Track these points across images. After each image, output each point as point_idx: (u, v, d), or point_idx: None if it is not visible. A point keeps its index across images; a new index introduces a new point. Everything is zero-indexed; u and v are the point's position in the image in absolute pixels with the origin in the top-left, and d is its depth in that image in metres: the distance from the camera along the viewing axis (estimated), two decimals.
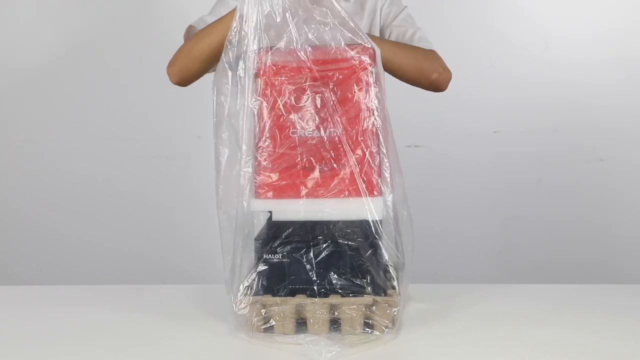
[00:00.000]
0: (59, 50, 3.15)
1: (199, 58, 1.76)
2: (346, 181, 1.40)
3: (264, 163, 1.42)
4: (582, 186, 3.11)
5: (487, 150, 3.12)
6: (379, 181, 1.40)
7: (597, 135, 3.09)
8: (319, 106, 1.41)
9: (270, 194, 1.41)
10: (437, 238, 2.97)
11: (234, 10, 1.57)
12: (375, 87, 1.41)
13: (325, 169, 1.41)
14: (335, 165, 1.40)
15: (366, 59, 1.41)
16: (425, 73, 1.82)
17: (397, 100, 3.06)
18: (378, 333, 1.37)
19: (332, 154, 1.41)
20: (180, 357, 1.36)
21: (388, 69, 1.72)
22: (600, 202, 3.11)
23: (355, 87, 1.40)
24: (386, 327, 1.38)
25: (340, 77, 1.41)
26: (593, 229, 3.11)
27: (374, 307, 1.37)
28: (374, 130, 1.41)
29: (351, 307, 1.36)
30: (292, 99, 1.42)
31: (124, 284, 1.85)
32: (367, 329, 1.38)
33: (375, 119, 1.41)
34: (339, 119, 1.40)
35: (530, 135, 3.11)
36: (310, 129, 1.42)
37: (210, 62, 1.74)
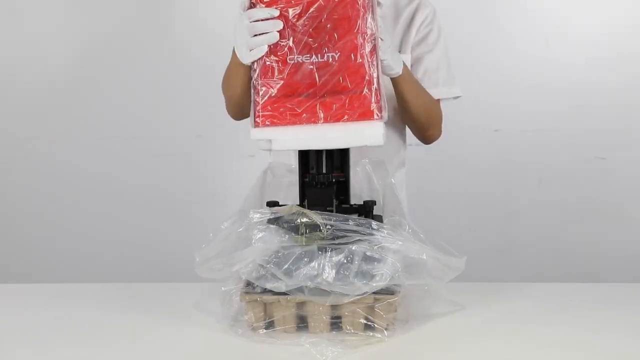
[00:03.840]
0: (62, 50, 3.14)
1: (236, 102, 1.77)
2: (346, 106, 1.39)
3: (262, 91, 1.41)
4: (583, 185, 3.11)
5: (487, 149, 3.12)
6: (379, 105, 1.39)
7: (598, 134, 3.09)
8: (317, 31, 1.40)
9: (268, 122, 1.40)
10: (437, 237, 2.97)
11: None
12: (370, 5, 1.40)
13: (325, 94, 1.40)
14: (334, 91, 1.39)
15: None
16: (429, 122, 1.91)
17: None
18: (379, 334, 1.37)
19: (332, 79, 1.39)
20: (181, 356, 1.36)
21: (403, 104, 1.76)
22: (600, 201, 3.11)
23: (353, 11, 1.39)
24: (387, 327, 1.38)
25: (333, 3, 1.40)
26: (594, 228, 3.11)
27: (375, 307, 1.37)
28: (373, 54, 1.40)
29: (352, 307, 1.36)
30: (290, 24, 1.41)
31: (125, 282, 1.85)
32: (369, 332, 1.37)
33: (375, 43, 1.40)
34: (337, 43, 1.39)
35: (531, 135, 3.11)
36: (309, 55, 1.41)
37: (242, 98, 1.68)
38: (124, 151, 3.18)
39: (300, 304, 1.38)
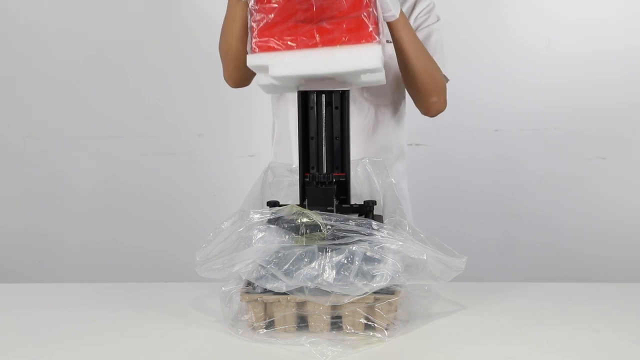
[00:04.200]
0: (62, 49, 3.15)
1: (234, 54, 1.75)
2: (343, 29, 1.38)
3: (258, 16, 1.40)
4: (584, 184, 3.11)
5: (488, 148, 3.12)
6: (377, 29, 1.38)
7: (598, 133, 3.09)
8: None
9: (266, 47, 1.39)
10: (437, 236, 2.97)
11: None
12: None
13: (322, 18, 1.39)
14: (331, 15, 1.39)
15: None
16: (432, 87, 1.81)
17: None
18: (379, 334, 1.37)
19: (329, 3, 1.39)
20: (181, 356, 1.36)
21: (402, 57, 1.72)
22: (601, 200, 3.11)
23: None
24: (387, 326, 1.38)
25: None
26: (594, 228, 3.11)
27: (375, 307, 1.37)
28: None
29: (352, 307, 1.36)
30: None
31: (125, 282, 1.85)
32: (369, 332, 1.38)
33: None
34: None
35: (532, 134, 3.11)
36: None
37: (240, 52, 1.71)
38: (124, 150, 3.18)
39: (301, 304, 1.38)
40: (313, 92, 1.55)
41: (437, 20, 1.93)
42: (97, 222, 3.22)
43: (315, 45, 1.39)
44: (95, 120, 3.17)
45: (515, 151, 3.11)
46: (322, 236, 1.39)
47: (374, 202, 1.53)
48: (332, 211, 1.46)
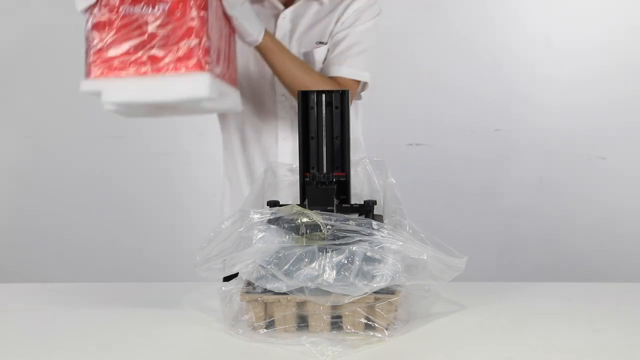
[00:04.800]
0: (62, 49, 3.14)
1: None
2: (174, 57, 1.38)
3: (93, 42, 1.40)
4: (584, 184, 3.11)
5: (488, 148, 3.12)
6: (207, 59, 1.39)
7: (598, 133, 3.09)
8: None
9: (99, 73, 1.40)
10: (437, 236, 2.97)
11: None
12: None
13: (154, 46, 1.39)
14: (164, 42, 1.38)
15: None
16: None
17: (398, 98, 3.08)
18: (379, 333, 1.37)
19: (161, 31, 1.39)
20: (181, 356, 1.36)
21: (279, 79, 1.78)
22: (601, 200, 3.11)
23: None
24: (387, 326, 1.38)
25: None
26: (594, 228, 3.11)
27: (375, 307, 1.37)
28: (203, 4, 1.39)
29: (352, 306, 1.36)
30: None
31: (125, 282, 1.85)
32: (370, 332, 1.37)
33: None
34: None
35: (532, 134, 3.11)
36: (140, 5, 1.40)
37: None
38: (125, 150, 3.18)
39: (301, 304, 1.38)
40: (313, 92, 1.55)
41: (372, 18, 1.90)
42: (97, 222, 3.22)
43: (146, 73, 1.39)
44: (95, 120, 3.17)
45: (515, 151, 3.11)
46: (322, 236, 1.39)
47: (374, 202, 1.53)
48: (332, 211, 1.46)
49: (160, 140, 3.18)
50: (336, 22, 1.88)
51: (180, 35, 1.39)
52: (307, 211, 1.41)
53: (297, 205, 1.44)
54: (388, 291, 1.38)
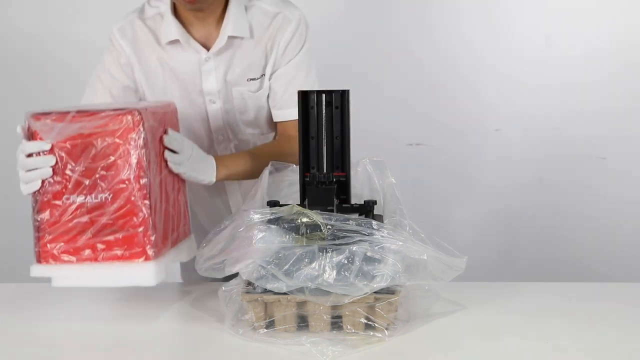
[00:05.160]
0: (62, 49, 3.15)
1: None
2: (120, 245, 1.43)
3: (40, 229, 1.45)
4: (584, 185, 3.10)
5: (488, 148, 3.12)
6: (152, 245, 1.43)
7: (598, 133, 3.09)
8: (90, 171, 1.43)
9: (50, 259, 1.45)
10: (437, 236, 2.98)
11: None
12: (143, 149, 1.42)
13: (101, 233, 1.43)
14: (109, 230, 1.43)
15: (129, 124, 1.42)
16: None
17: (398, 98, 3.08)
18: (379, 333, 1.37)
19: (106, 219, 1.43)
20: (182, 355, 1.36)
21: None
22: (601, 200, 3.11)
23: (124, 151, 1.42)
24: (388, 326, 1.38)
25: (104, 144, 1.42)
26: (594, 228, 3.11)
27: (375, 306, 1.37)
28: (145, 193, 1.43)
29: (352, 306, 1.36)
30: (64, 163, 1.44)
31: None
32: (370, 331, 1.37)
33: (143, 182, 1.42)
34: (110, 184, 1.43)
35: (532, 134, 3.10)
36: (83, 194, 1.43)
37: None
38: None
39: (301, 304, 1.38)
40: (313, 92, 1.56)
41: (299, 50, 1.86)
42: None
43: (94, 260, 1.44)
44: None
45: (515, 151, 3.11)
46: (323, 236, 1.39)
47: (374, 202, 1.53)
48: (332, 211, 1.46)
49: None
50: (266, 61, 1.85)
51: (125, 224, 1.43)
52: (307, 211, 1.41)
53: (297, 205, 1.44)
54: (388, 291, 1.38)
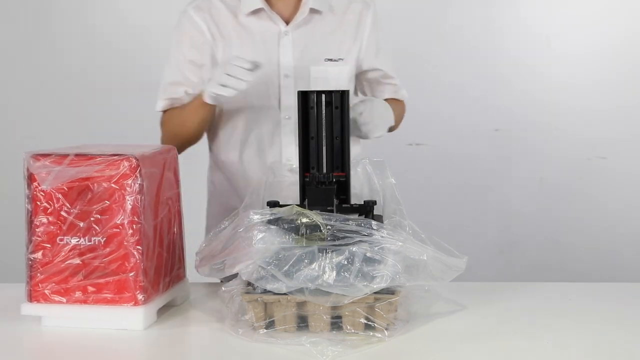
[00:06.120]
0: (62, 49, 3.15)
1: (188, 140, 1.91)
2: (110, 289, 1.44)
3: (34, 268, 1.47)
4: (584, 184, 3.11)
5: (488, 148, 3.12)
6: (142, 290, 1.44)
7: (598, 133, 3.09)
8: (85, 214, 1.44)
9: (41, 299, 1.46)
10: (437, 236, 2.98)
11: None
12: (139, 195, 1.43)
13: (92, 276, 1.44)
14: (101, 274, 1.44)
15: (125, 169, 1.43)
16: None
17: None
18: (379, 333, 1.37)
19: (98, 262, 1.44)
20: (181, 355, 1.36)
21: None
22: (601, 200, 3.11)
23: (120, 197, 1.43)
24: (387, 326, 1.38)
25: (101, 188, 1.43)
26: (594, 228, 3.11)
27: (375, 307, 1.37)
28: (138, 239, 1.44)
29: (352, 307, 1.36)
30: (57, 206, 1.45)
31: None
32: (370, 332, 1.37)
33: (136, 227, 1.43)
34: (103, 228, 1.44)
35: (532, 134, 3.11)
36: (77, 237, 1.45)
37: (200, 136, 1.92)
38: None
39: (301, 304, 1.38)
40: (313, 92, 1.55)
41: (381, 33, 1.95)
42: None
43: (84, 302, 1.45)
44: (95, 120, 3.17)
45: (515, 151, 3.11)
46: (322, 236, 1.39)
47: (374, 202, 1.53)
48: (332, 211, 1.46)
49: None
50: (349, 45, 1.87)
51: (116, 268, 1.44)
52: (307, 211, 1.41)
53: (297, 205, 1.44)
54: (388, 291, 1.38)
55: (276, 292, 1.37)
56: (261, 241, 1.39)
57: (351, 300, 1.35)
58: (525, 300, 1.62)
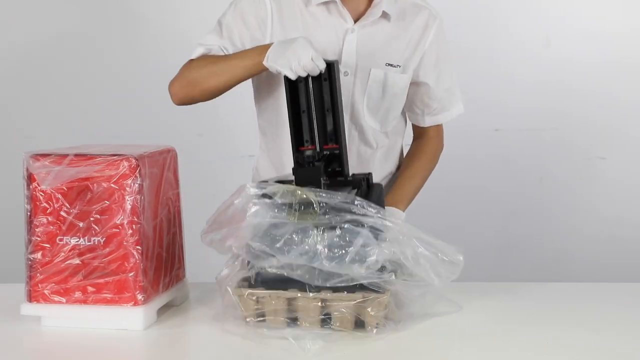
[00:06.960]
0: (61, 49, 3.15)
1: (208, 91, 1.81)
2: (110, 288, 1.45)
3: (34, 268, 1.47)
4: (584, 184, 3.11)
5: (488, 148, 3.12)
6: (142, 290, 1.45)
7: (598, 133, 3.09)
8: (85, 214, 1.45)
9: (40, 299, 1.47)
10: (437, 236, 2.98)
11: (261, 47, 1.63)
12: (138, 195, 1.44)
13: (92, 276, 1.45)
14: (101, 273, 1.45)
15: (125, 170, 1.43)
16: None
17: None
18: (368, 332, 1.37)
19: (98, 262, 1.44)
20: (179, 354, 1.36)
21: None
22: (601, 200, 3.11)
23: (119, 197, 1.44)
24: (377, 325, 1.37)
25: (100, 189, 1.44)
26: (594, 228, 3.11)
27: (365, 304, 1.36)
28: (137, 239, 1.44)
29: (342, 303, 1.36)
30: (57, 207, 1.46)
31: None
32: (358, 330, 1.37)
33: (136, 227, 1.44)
34: (103, 228, 1.44)
35: (532, 134, 3.11)
36: (77, 237, 1.45)
37: (220, 93, 1.79)
38: None
39: (291, 300, 1.38)
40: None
41: (450, 52, 1.96)
42: None
43: (84, 302, 1.46)
44: (95, 120, 3.17)
45: (515, 151, 3.11)
46: (315, 214, 1.37)
47: (369, 174, 1.53)
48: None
49: (160, 140, 3.17)
50: (410, 54, 1.85)
51: (116, 268, 1.45)
52: (301, 189, 1.40)
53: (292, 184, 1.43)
54: (377, 290, 1.37)
55: (268, 268, 1.37)
56: (254, 215, 1.39)
57: (342, 284, 1.34)
58: (525, 301, 1.62)
